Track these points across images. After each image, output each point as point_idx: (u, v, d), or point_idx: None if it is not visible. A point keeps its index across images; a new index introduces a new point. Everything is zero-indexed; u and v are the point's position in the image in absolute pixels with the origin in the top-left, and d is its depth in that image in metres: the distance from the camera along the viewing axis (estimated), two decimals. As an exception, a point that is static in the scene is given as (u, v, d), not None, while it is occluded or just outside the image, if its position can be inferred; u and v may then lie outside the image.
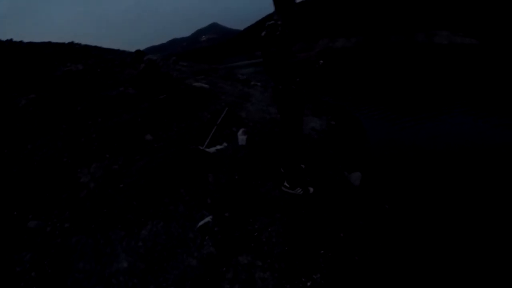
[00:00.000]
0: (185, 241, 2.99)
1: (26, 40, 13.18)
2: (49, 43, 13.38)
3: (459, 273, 3.30)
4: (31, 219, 3.34)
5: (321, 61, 3.18)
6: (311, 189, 3.72)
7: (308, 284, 2.56)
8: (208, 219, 3.21)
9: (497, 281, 3.22)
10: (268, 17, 3.18)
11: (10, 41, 12.41)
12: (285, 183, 3.70)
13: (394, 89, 15.63)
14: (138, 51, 10.00)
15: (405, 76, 19.97)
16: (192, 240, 2.99)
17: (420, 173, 5.81)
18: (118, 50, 17.55)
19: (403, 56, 33.85)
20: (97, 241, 3.02)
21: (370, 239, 3.20)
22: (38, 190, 3.80)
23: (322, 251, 2.89)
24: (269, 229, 3.12)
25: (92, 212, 3.44)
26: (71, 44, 14.11)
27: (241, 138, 4.97)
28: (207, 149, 4.75)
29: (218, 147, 4.89)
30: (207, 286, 2.53)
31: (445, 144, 7.31)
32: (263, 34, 3.09)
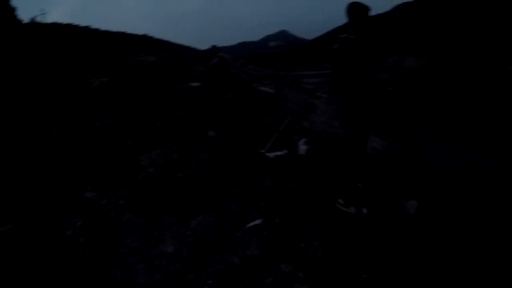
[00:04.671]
0: (232, 239, 3.01)
1: (102, 28, 14.13)
2: (124, 33, 14.28)
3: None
4: (89, 190, 3.51)
5: (391, 88, 3.09)
6: (365, 210, 3.58)
7: (345, 306, 2.45)
8: (258, 221, 3.22)
9: None
10: (339, 29, 3.13)
11: (87, 28, 13.46)
12: (340, 200, 3.61)
13: (463, 116, 14.49)
14: (213, 46, 10.25)
15: (476, 103, 18.41)
16: (239, 240, 3.01)
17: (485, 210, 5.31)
18: (188, 47, 18.26)
19: (474, 82, 31.44)
20: (148, 222, 3.12)
21: (419, 275, 2.97)
22: (100, 165, 3.99)
23: (365, 276, 2.76)
24: (316, 243, 3.05)
25: (147, 195, 3.56)
26: (144, 36, 14.95)
27: (302, 147, 4.92)
28: (267, 154, 4.76)
29: (278, 153, 4.87)
30: (245, 287, 2.52)
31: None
32: (335, 46, 3.05)
